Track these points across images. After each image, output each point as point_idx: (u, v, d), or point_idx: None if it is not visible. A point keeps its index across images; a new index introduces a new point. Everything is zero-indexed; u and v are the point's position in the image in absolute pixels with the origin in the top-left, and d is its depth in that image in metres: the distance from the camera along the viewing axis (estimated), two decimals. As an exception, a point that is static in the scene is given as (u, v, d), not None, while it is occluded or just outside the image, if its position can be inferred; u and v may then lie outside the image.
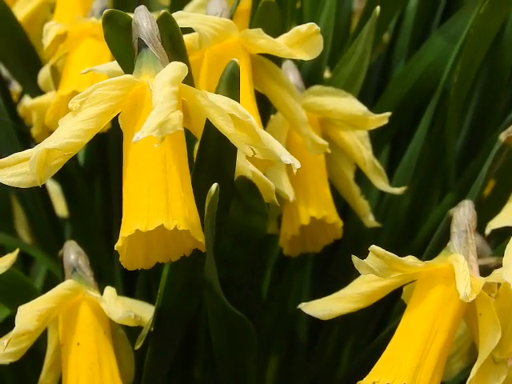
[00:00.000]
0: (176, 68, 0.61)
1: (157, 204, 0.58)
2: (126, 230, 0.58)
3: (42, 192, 1.00)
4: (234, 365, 0.83)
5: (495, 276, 0.65)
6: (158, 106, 0.56)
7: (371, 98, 0.85)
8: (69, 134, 0.59)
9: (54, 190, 1.13)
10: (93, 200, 1.06)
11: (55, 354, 0.78)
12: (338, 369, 1.03)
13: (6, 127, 1.02)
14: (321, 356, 1.00)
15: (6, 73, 1.04)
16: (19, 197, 1.10)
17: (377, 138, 0.88)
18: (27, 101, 0.94)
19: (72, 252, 0.81)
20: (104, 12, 0.67)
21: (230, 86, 0.64)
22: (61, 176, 1.02)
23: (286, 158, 0.60)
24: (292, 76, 0.85)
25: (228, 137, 0.60)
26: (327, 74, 0.92)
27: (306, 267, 0.98)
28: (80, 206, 1.04)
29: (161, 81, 0.59)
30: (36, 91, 0.95)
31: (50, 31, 0.90)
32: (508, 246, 0.63)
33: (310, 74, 0.89)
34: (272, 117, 0.83)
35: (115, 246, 0.59)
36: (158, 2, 1.08)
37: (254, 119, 0.60)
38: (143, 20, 0.65)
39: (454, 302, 0.66)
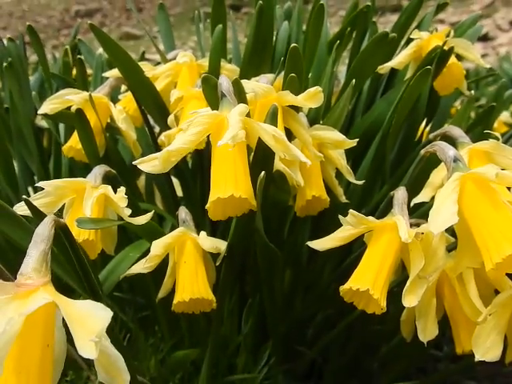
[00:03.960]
0: (242, 107, 0.55)
1: (229, 182, 0.52)
2: (212, 197, 0.52)
3: (169, 182, 0.92)
4: (269, 274, 0.76)
5: (422, 228, 0.56)
6: (231, 126, 0.51)
7: (344, 133, 0.76)
8: (181, 142, 0.53)
9: (175, 181, 1.04)
10: (196, 187, 0.98)
11: (172, 268, 0.71)
12: (322, 277, 0.94)
13: (152, 150, 0.95)
14: (313, 270, 0.91)
15: (152, 121, 0.96)
16: (158, 184, 1.04)
17: (347, 154, 0.78)
18: (162, 135, 0.86)
19: (183, 212, 0.74)
20: (202, 76, 0.60)
21: (272, 118, 0.56)
22: (179, 174, 0.97)
23: (303, 158, 0.53)
24: (303, 119, 0.75)
25: (270, 147, 0.54)
26: (321, 122, 0.83)
27: (307, 222, 0.88)
28: (189, 190, 0.96)
29: (234, 113, 0.53)
30: (166, 128, 0.86)
31: (174, 95, 0.83)
32: (431, 211, 0.52)
33: (312, 120, 0.79)
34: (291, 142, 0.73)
35: (206, 207, 0.52)
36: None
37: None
38: (224, 81, 0.58)
39: (397, 242, 0.58)
